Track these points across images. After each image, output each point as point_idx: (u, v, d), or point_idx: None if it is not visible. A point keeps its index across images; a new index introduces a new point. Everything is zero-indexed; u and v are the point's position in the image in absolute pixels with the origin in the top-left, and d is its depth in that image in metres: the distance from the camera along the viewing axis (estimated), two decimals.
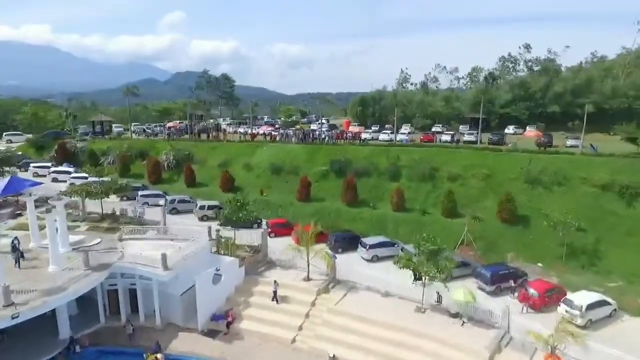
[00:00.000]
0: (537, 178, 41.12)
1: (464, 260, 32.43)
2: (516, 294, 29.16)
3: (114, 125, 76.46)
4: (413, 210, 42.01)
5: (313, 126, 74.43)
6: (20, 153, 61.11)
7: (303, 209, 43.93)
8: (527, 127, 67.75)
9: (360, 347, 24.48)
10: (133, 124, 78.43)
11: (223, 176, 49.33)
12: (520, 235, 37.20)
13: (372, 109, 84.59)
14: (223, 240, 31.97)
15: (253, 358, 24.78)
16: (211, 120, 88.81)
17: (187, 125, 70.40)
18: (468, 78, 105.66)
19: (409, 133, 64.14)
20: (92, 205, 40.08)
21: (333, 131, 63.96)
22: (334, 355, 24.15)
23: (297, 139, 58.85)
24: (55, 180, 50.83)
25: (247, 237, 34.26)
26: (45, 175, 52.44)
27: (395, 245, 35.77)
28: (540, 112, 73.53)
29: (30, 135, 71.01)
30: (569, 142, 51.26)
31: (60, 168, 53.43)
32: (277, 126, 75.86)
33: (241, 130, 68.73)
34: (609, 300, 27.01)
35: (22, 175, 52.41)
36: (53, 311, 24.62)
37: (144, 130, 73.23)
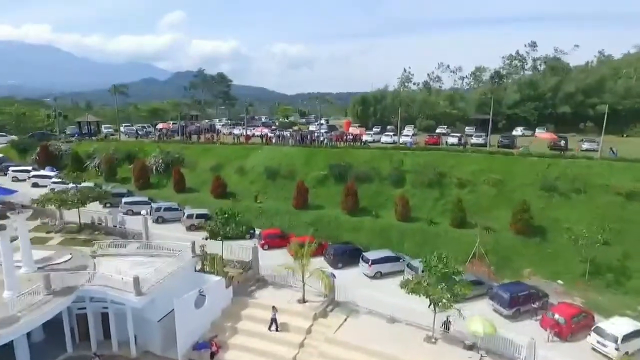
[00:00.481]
0: (553, 185, 37.87)
1: (478, 279, 29.14)
2: (538, 318, 25.92)
3: (103, 126, 73.11)
4: (419, 220, 38.72)
5: (312, 127, 71.18)
6: (1, 155, 57.81)
7: (300, 218, 40.70)
8: (537, 129, 64.40)
9: None
10: (124, 124, 75.23)
11: (215, 181, 46.01)
12: (537, 249, 33.94)
13: (373, 108, 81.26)
14: (209, 256, 28.64)
15: None
16: (206, 121, 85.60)
17: (180, 126, 67.14)
18: (472, 78, 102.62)
19: (412, 135, 60.84)
20: (72, 214, 36.81)
21: (332, 133, 60.69)
22: None
23: (295, 141, 55.59)
24: (35, 185, 47.43)
25: (238, 250, 30.98)
26: (25, 180, 49.19)
27: (401, 261, 32.51)
28: (550, 112, 70.27)
29: (15, 137, 67.69)
30: (585, 146, 47.93)
31: (41, 172, 50.01)
32: (273, 127, 72.46)
33: (236, 131, 65.40)
34: None
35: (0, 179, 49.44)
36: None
37: (137, 131, 69.90)
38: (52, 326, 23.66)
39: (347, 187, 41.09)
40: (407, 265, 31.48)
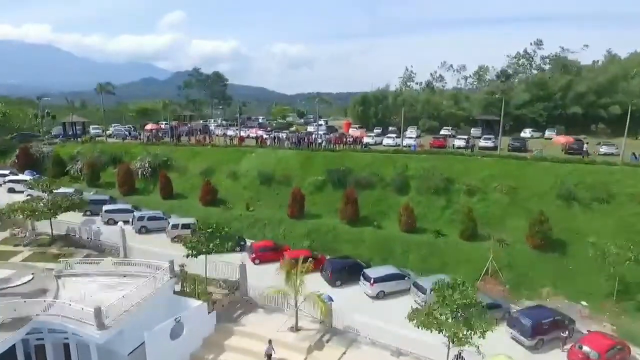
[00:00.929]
0: (573, 193, 34.58)
1: (494, 302, 25.81)
2: (566, 348, 22.68)
3: (91, 127, 69.65)
4: (425, 231, 35.49)
5: (310, 128, 67.79)
6: None
7: (295, 228, 37.48)
8: (546, 131, 61.06)
9: None
10: (113, 125, 71.87)
11: (204, 187, 42.68)
12: (557, 265, 30.67)
13: (374, 109, 77.79)
14: (188, 277, 25.32)
15: None
16: (200, 121, 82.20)
17: (170, 127, 63.83)
18: (475, 77, 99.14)
19: (416, 137, 57.49)
20: (46, 224, 33.51)
21: (331, 134, 57.35)
22: None
23: (291, 143, 52.29)
24: (11, 190, 44.13)
25: (223, 267, 27.63)
26: (0, 185, 45.88)
27: (406, 278, 29.26)
28: (560, 113, 66.85)
29: None
30: (603, 149, 44.57)
31: (18, 177, 46.62)
32: (269, 129, 69.00)
33: (229, 132, 62.00)
34: None
35: None
36: None
37: (129, 132, 66.52)
38: (7, 358, 20.44)
39: (346, 194, 37.85)
40: (414, 284, 28.25)
